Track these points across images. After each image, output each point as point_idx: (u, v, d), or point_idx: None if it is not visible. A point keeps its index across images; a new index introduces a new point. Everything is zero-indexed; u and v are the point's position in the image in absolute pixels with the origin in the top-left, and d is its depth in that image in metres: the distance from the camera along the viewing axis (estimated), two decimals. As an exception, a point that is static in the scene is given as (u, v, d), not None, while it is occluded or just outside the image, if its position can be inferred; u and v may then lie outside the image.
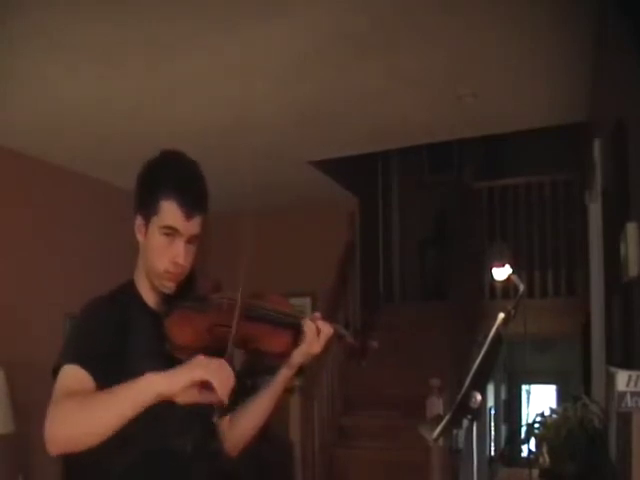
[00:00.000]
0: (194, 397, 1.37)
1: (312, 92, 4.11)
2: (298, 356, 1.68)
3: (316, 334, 1.66)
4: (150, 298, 1.65)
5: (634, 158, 2.44)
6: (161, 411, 1.42)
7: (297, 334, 1.67)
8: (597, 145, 3.65)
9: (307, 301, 6.32)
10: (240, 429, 1.76)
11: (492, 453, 7.88)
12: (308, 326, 1.66)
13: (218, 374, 1.35)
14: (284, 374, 1.72)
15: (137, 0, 3.00)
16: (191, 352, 1.57)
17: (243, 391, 1.71)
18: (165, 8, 3.07)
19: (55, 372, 1.49)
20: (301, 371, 1.79)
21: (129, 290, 1.66)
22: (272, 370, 1.75)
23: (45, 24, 3.13)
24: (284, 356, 1.68)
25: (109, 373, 1.45)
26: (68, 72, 3.66)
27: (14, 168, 4.75)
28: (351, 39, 3.45)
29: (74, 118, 4.28)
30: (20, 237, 4.74)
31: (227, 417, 1.76)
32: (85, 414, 1.35)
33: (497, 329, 1.65)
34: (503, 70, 3.90)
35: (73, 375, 1.45)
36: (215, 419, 1.44)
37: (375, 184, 7.42)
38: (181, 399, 1.36)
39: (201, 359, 1.38)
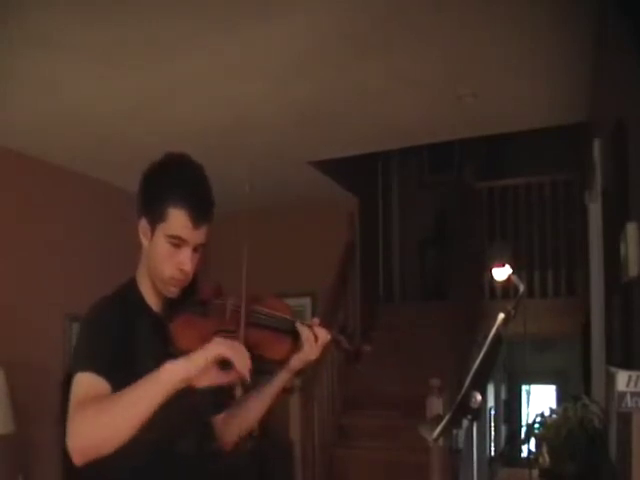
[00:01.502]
0: (214, 379, 1.43)
1: (312, 92, 4.11)
2: (297, 361, 1.71)
3: (314, 341, 1.68)
4: (152, 300, 1.65)
5: (634, 158, 2.44)
6: (162, 414, 1.43)
7: (296, 340, 1.69)
8: (597, 145, 3.66)
9: (307, 301, 6.32)
10: (234, 426, 1.78)
11: (492, 453, 7.87)
12: (305, 334, 1.67)
13: (235, 351, 1.41)
14: (283, 377, 1.74)
15: (137, 0, 3.01)
16: None
17: (243, 391, 1.72)
18: (165, 8, 3.07)
19: (69, 380, 1.49)
20: (300, 372, 1.80)
21: (131, 291, 1.66)
22: (272, 371, 1.77)
23: (45, 24, 3.13)
24: (284, 362, 1.71)
25: (119, 375, 1.46)
26: (68, 72, 3.66)
27: (14, 168, 4.75)
28: (351, 39, 3.45)
29: (74, 118, 4.28)
30: (20, 237, 4.74)
31: (222, 414, 1.78)
32: (109, 417, 1.36)
33: (497, 329, 1.66)
34: (503, 70, 3.90)
35: (89, 383, 1.45)
36: (239, 392, 1.46)
37: (375, 184, 7.41)
38: (202, 383, 1.41)
39: (217, 340, 1.42)
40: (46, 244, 4.95)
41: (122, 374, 1.46)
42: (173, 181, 1.58)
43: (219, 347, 1.40)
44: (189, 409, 1.60)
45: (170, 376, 1.38)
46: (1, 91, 3.81)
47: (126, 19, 3.14)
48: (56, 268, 5.00)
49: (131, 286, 1.67)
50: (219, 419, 1.77)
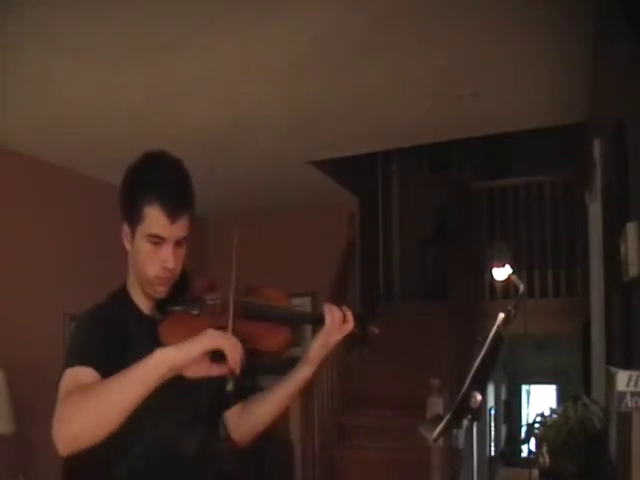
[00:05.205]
0: (205, 371, 1.39)
1: (312, 92, 4.11)
2: (318, 349, 1.65)
3: (339, 321, 1.62)
4: (144, 304, 1.63)
5: (634, 158, 2.44)
6: (164, 413, 1.42)
7: (295, 330, 1.63)
8: (597, 145, 3.66)
9: (307, 301, 6.31)
10: (252, 420, 1.74)
11: (492, 453, 7.87)
12: (327, 309, 1.63)
13: (229, 342, 1.38)
14: (305, 371, 1.68)
15: (137, 0, 3.01)
16: None
17: (243, 390, 1.70)
18: (165, 8, 3.07)
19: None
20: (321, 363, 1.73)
21: (122, 298, 1.64)
22: (272, 369, 1.73)
23: (45, 24, 3.13)
24: (282, 353, 1.63)
25: (109, 370, 1.43)
26: (68, 72, 3.66)
27: (14, 168, 4.75)
28: (351, 39, 3.45)
29: (74, 118, 4.28)
30: (20, 237, 4.74)
31: (237, 406, 1.73)
32: (95, 402, 1.32)
33: (497, 329, 1.66)
34: (503, 70, 3.90)
35: (76, 374, 1.44)
36: (230, 387, 1.40)
37: (375, 184, 7.42)
38: (192, 373, 1.37)
39: (210, 331, 1.39)
40: (46, 244, 4.95)
41: (112, 371, 1.43)
42: (145, 180, 1.55)
43: (214, 339, 1.37)
44: (190, 408, 1.60)
45: (159, 361, 1.34)
46: (1, 91, 3.81)
47: (126, 19, 3.14)
48: (56, 268, 5.00)
49: (121, 293, 1.65)
50: (233, 414, 1.73)
